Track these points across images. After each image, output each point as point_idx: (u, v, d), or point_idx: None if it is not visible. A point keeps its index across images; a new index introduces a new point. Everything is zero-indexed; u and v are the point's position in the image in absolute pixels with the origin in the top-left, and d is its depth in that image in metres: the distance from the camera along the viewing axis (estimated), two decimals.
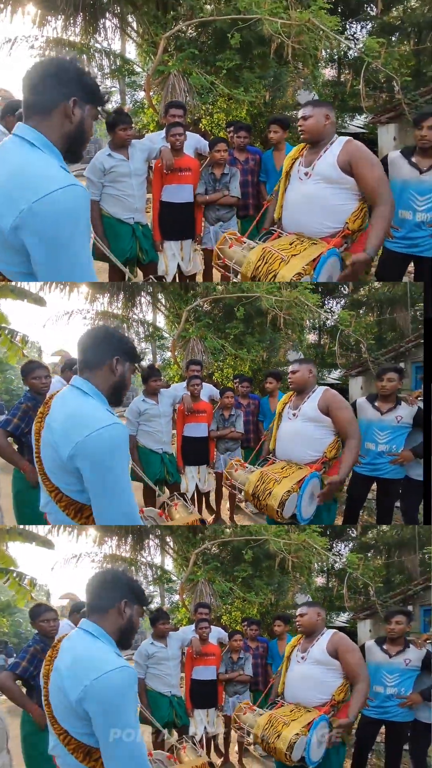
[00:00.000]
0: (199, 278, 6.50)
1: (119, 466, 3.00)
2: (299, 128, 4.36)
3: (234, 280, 4.67)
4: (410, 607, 7.33)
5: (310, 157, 4.36)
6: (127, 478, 3.05)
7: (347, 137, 4.32)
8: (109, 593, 2.99)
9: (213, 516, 6.97)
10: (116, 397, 3.16)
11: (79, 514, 3.09)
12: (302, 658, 4.93)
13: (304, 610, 4.99)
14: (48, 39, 7.28)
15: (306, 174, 4.34)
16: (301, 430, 4.91)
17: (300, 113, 4.38)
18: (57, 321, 8.12)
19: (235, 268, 4.55)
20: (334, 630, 4.98)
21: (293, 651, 5.04)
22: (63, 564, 7.97)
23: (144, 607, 3.10)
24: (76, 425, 2.98)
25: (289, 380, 5.01)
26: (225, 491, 6.79)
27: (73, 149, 2.89)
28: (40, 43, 7.27)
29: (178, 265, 6.03)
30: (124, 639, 3.01)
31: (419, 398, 5.74)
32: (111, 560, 8.01)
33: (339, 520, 6.71)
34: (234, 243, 4.63)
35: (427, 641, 5.76)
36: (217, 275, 6.31)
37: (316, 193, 4.30)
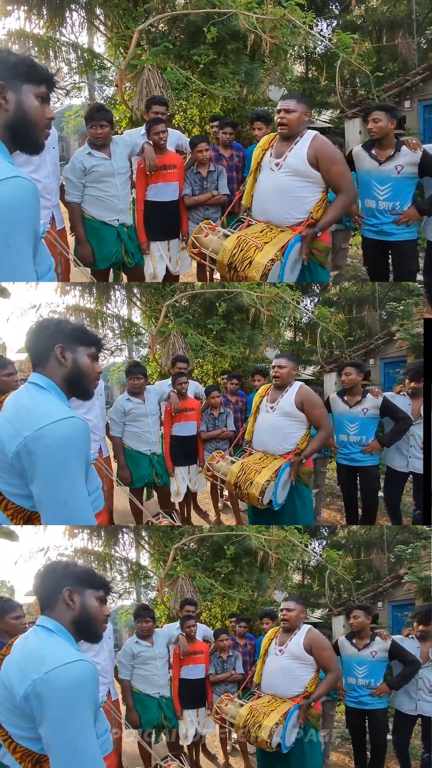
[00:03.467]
0: (191, 278, 6.47)
1: (74, 464, 2.75)
2: (280, 119, 4.55)
3: (210, 266, 4.87)
4: (380, 604, 7.53)
5: (280, 149, 4.59)
6: (82, 479, 2.80)
7: (314, 132, 4.60)
8: (49, 586, 2.72)
9: (215, 519, 6.97)
10: (78, 389, 2.94)
11: (29, 522, 2.85)
12: (280, 651, 5.15)
13: (292, 605, 5.17)
14: (9, 31, 7.03)
15: (277, 165, 4.57)
16: (276, 423, 5.18)
17: (282, 105, 4.57)
18: (23, 315, 7.58)
19: (211, 256, 4.78)
20: (309, 626, 5.19)
21: (270, 644, 5.23)
22: (28, 558, 7.63)
23: (102, 591, 2.78)
24: (26, 420, 2.75)
25: (274, 374, 5.22)
26: (218, 491, 6.79)
27: (21, 137, 2.73)
28: (1, 35, 6.99)
29: (167, 267, 5.88)
30: (85, 630, 2.72)
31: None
32: (82, 554, 7.81)
33: (327, 513, 6.84)
34: (209, 232, 4.87)
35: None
36: (211, 276, 6.35)
37: (285, 185, 4.55)
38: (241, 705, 5.30)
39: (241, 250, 4.51)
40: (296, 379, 5.29)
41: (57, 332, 2.91)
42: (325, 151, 4.53)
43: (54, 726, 2.49)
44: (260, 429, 5.25)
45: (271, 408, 5.19)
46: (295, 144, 4.55)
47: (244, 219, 4.75)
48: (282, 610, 5.19)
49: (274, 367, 5.23)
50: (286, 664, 5.09)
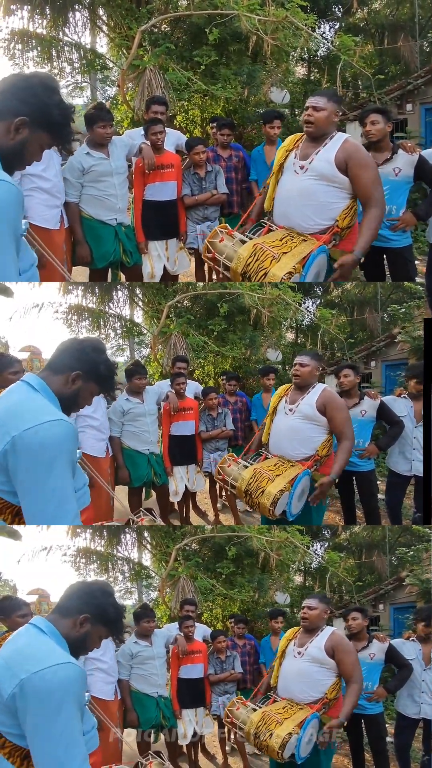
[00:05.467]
0: (191, 279, 6.45)
1: (59, 464, 2.79)
2: (307, 117, 4.29)
3: (224, 273, 4.59)
4: (381, 606, 7.52)
5: (307, 150, 4.35)
6: (68, 478, 2.84)
7: (345, 135, 4.34)
8: (75, 602, 2.81)
9: (214, 519, 6.95)
10: (63, 408, 2.96)
11: (17, 518, 2.90)
12: (299, 653, 4.89)
13: (313, 603, 4.91)
14: (13, 31, 7.06)
15: (302, 167, 4.33)
16: (295, 426, 4.91)
17: (311, 102, 4.31)
18: (25, 314, 7.63)
19: (225, 262, 4.50)
20: (333, 628, 4.94)
21: (288, 645, 4.97)
22: (31, 557, 7.65)
23: (113, 638, 2.93)
24: (14, 418, 2.80)
25: (294, 372, 4.95)
26: (216, 490, 6.77)
27: (4, 161, 2.78)
28: (5, 35, 7.04)
29: (164, 267, 5.83)
30: (72, 649, 2.75)
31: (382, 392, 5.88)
32: (84, 554, 7.81)
33: (327, 515, 6.81)
34: (225, 237, 4.57)
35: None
36: (210, 275, 6.29)
37: (309, 189, 4.30)
38: (254, 709, 5.04)
39: (257, 260, 4.29)
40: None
41: (88, 365, 2.98)
42: (357, 156, 4.27)
43: (37, 725, 2.55)
44: (277, 432, 4.99)
45: (290, 410, 4.91)
46: (323, 146, 4.29)
47: (265, 224, 4.52)
48: (303, 608, 4.91)
49: (295, 365, 4.95)
50: (304, 667, 4.84)
